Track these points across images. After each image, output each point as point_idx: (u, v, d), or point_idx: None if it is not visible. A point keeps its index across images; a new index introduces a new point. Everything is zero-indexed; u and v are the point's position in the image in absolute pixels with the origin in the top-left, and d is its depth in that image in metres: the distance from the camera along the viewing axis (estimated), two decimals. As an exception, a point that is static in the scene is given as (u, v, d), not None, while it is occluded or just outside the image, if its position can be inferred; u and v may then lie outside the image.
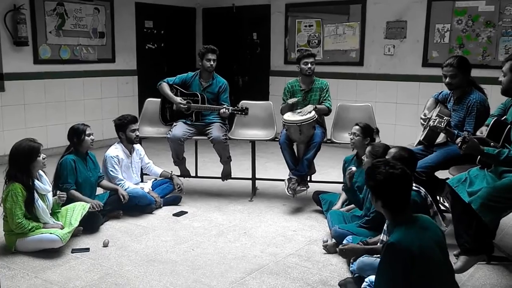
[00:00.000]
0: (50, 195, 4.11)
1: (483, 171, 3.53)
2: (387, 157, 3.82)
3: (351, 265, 3.50)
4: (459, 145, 3.23)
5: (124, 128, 4.95)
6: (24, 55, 6.93)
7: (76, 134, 4.49)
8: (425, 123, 4.33)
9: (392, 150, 3.54)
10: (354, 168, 4.07)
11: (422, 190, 3.38)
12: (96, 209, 4.33)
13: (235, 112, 5.26)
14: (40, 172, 4.04)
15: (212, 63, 5.34)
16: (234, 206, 5.16)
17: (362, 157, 4.01)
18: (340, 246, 3.43)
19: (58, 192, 4.19)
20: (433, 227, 2.63)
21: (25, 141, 3.94)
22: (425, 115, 4.38)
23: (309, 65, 5.18)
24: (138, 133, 5.02)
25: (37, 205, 3.91)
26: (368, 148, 3.95)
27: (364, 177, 4.28)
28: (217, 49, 5.42)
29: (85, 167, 4.56)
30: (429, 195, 3.47)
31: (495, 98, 4.10)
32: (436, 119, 3.90)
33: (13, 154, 3.89)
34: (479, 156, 3.44)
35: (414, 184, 3.32)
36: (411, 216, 2.61)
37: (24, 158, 3.86)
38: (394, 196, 2.58)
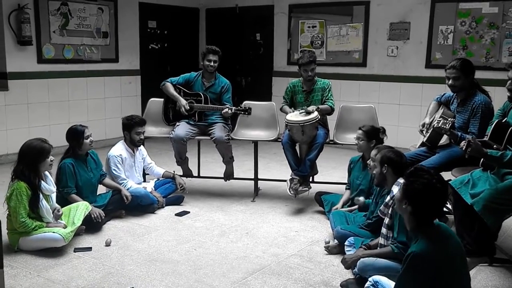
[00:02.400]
0: (54, 196, 4.12)
1: (486, 173, 3.53)
2: (374, 155, 3.83)
3: (354, 268, 3.49)
4: (463, 149, 3.23)
5: (130, 128, 4.95)
6: (28, 54, 6.95)
7: (75, 137, 4.46)
8: (425, 129, 4.33)
9: (382, 152, 3.58)
10: (361, 199, 4.17)
11: None
12: (98, 220, 4.32)
13: (238, 112, 5.25)
14: (46, 172, 4.05)
15: (212, 63, 5.33)
16: (236, 206, 5.16)
17: (368, 161, 4.00)
18: (342, 259, 3.51)
19: (56, 209, 4.10)
20: (453, 235, 2.58)
21: (36, 140, 3.95)
22: (423, 125, 4.40)
23: (309, 73, 5.13)
24: (142, 137, 5.00)
25: (41, 205, 3.92)
26: (374, 152, 3.93)
27: (368, 180, 4.33)
28: (220, 50, 5.41)
29: (85, 168, 4.54)
30: None
31: (498, 100, 4.10)
32: (440, 121, 3.88)
33: (23, 152, 3.91)
34: (482, 159, 3.45)
35: None
36: (433, 225, 2.52)
37: (33, 157, 3.88)
38: (426, 207, 2.48)
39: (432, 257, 2.37)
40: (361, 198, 4.26)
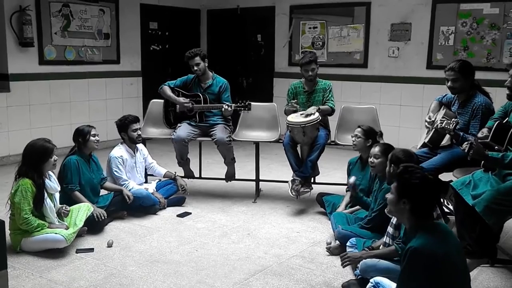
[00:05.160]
0: (57, 195, 4.14)
1: (487, 174, 3.53)
2: (377, 152, 3.89)
3: (356, 270, 3.49)
4: (466, 150, 3.23)
5: (125, 128, 4.96)
6: (30, 56, 6.97)
7: (81, 135, 4.51)
8: (431, 126, 4.33)
9: (394, 151, 3.55)
10: (352, 179, 4.08)
11: None
12: (100, 219, 4.33)
13: (238, 108, 5.25)
14: (49, 172, 4.07)
15: (195, 68, 5.28)
16: (237, 207, 5.17)
17: (370, 159, 3.99)
18: (342, 255, 3.46)
19: (63, 206, 4.15)
20: (452, 233, 2.59)
21: (40, 140, 3.98)
22: (430, 118, 4.39)
23: (310, 73, 5.14)
24: (140, 133, 5.02)
25: (45, 203, 3.94)
26: (377, 149, 3.92)
27: (368, 180, 4.33)
28: (197, 50, 5.29)
29: (88, 168, 4.57)
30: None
31: (499, 101, 4.10)
32: (444, 121, 3.87)
33: (27, 152, 3.94)
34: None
35: None
36: (433, 222, 2.55)
37: (36, 157, 3.90)
38: (425, 201, 2.53)
39: (431, 252, 2.37)
40: (352, 179, 4.16)
